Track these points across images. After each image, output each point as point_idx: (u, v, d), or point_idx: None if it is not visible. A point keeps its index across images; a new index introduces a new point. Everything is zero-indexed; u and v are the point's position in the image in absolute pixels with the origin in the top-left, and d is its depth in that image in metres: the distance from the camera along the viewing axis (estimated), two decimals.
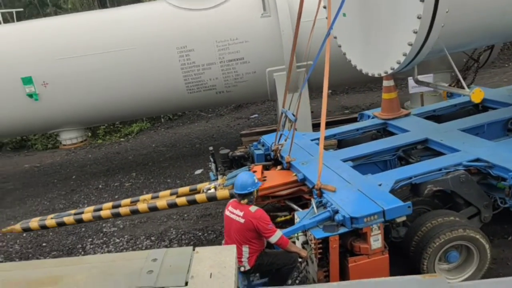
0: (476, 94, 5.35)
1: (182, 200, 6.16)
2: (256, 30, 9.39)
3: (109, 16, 10.35)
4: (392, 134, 7.06)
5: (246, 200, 4.70)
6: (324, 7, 5.87)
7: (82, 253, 7.47)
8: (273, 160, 6.67)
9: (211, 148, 7.14)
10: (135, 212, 6.31)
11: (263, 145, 7.10)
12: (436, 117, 7.47)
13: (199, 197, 6.07)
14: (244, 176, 4.83)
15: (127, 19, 9.94)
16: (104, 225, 8.19)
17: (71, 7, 18.10)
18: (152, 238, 7.55)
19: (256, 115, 14.65)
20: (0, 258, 7.66)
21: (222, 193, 5.88)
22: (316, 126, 9.80)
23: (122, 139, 14.64)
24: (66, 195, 10.22)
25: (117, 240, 7.65)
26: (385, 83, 7.38)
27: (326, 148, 6.70)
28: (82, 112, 10.00)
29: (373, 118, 7.53)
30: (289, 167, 6.10)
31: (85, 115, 10.18)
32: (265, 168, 6.38)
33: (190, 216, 8.05)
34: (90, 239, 7.82)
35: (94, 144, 14.41)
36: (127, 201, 6.68)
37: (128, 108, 10.20)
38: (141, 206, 6.30)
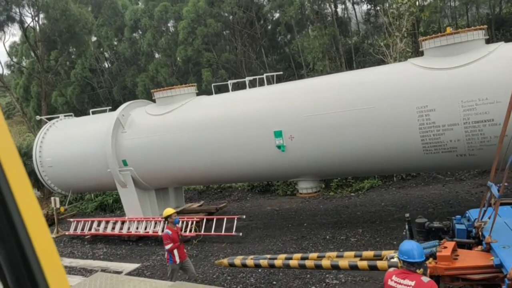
0: None
1: (363, 264, 6.16)
2: None
3: (354, 77, 11.03)
4: None
5: (422, 270, 4.56)
6: None
7: None
8: (476, 238, 5.97)
9: (407, 215, 6.89)
10: (319, 267, 6.69)
11: (468, 220, 6.41)
12: None
13: (380, 264, 6.00)
14: (409, 245, 4.69)
15: (370, 80, 10.38)
16: (327, 275, 8.43)
17: (322, 69, 20.13)
18: None
19: (506, 185, 12.63)
20: None
21: None
22: None
23: (352, 194, 14.96)
24: (297, 240, 11.03)
25: None
26: None
27: None
28: (319, 164, 10.82)
29: None
30: (488, 248, 5.39)
31: (322, 167, 10.97)
32: (466, 246, 5.88)
33: None
34: (313, 287, 8.16)
35: (326, 195, 15.20)
36: (314, 255, 7.00)
37: (361, 165, 10.48)
38: (325, 262, 6.59)
